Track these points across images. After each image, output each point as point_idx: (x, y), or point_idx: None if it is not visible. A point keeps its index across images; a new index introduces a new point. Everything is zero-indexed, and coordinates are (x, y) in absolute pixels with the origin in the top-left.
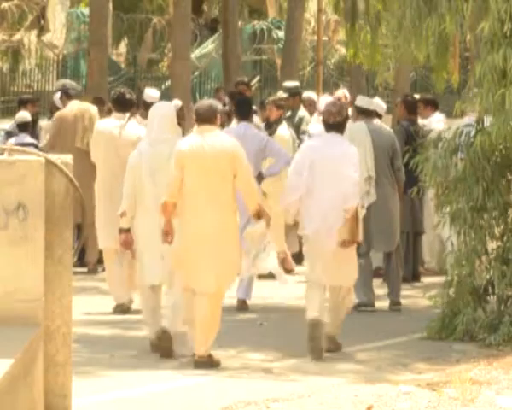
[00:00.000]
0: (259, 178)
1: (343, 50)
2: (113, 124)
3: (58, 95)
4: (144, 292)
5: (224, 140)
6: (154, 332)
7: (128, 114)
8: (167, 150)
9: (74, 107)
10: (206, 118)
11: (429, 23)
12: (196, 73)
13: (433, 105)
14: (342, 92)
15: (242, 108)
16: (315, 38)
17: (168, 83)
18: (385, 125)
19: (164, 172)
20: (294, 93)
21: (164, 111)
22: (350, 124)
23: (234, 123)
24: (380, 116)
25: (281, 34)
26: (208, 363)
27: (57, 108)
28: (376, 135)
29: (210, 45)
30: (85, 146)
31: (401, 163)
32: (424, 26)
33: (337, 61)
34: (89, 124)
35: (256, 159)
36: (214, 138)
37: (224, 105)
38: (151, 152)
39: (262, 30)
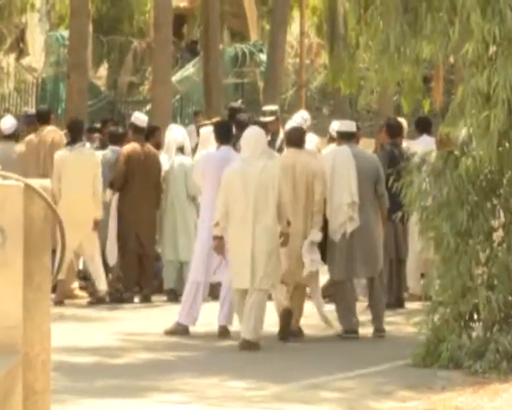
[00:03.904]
0: None
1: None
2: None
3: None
4: (235, 295)
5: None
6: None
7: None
8: (258, 168)
9: (42, 132)
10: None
11: (413, 46)
12: (177, 97)
13: (420, 127)
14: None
15: (222, 132)
16: (297, 60)
17: (149, 106)
18: (367, 150)
19: (253, 187)
20: (275, 116)
21: (257, 134)
22: (333, 148)
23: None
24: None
25: (263, 57)
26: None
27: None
28: (360, 160)
29: (191, 68)
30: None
31: (384, 189)
32: (408, 50)
33: (320, 84)
34: (49, 150)
35: None
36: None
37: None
38: (244, 170)
39: (244, 53)
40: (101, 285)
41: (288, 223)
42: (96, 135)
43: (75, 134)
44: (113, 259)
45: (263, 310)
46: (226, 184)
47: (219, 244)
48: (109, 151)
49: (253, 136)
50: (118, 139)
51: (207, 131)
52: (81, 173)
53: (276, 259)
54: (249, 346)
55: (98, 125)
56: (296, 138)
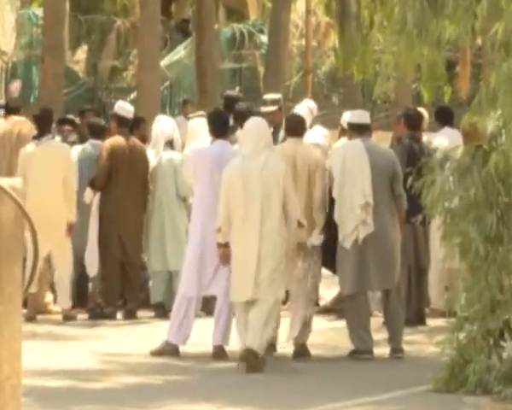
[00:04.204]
0: None
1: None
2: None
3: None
4: (236, 309)
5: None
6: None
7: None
8: (260, 164)
9: (9, 124)
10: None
11: (434, 26)
12: (166, 84)
13: (441, 118)
14: (306, 106)
15: (217, 124)
16: (303, 42)
17: (134, 95)
18: (382, 144)
19: (256, 185)
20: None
21: (260, 126)
22: (344, 142)
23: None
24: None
25: (264, 38)
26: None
27: None
28: (374, 155)
29: (182, 51)
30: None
31: (402, 188)
32: (428, 30)
33: (329, 69)
34: (16, 144)
35: None
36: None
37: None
38: (244, 167)
39: (242, 33)
40: (65, 303)
41: (300, 224)
42: (67, 127)
43: (43, 125)
44: (93, 269)
45: (273, 320)
46: (226, 185)
47: (224, 253)
48: (89, 145)
49: (254, 128)
50: (99, 132)
51: (196, 123)
52: (49, 170)
53: (284, 266)
54: (251, 358)
55: (70, 117)
56: (294, 126)
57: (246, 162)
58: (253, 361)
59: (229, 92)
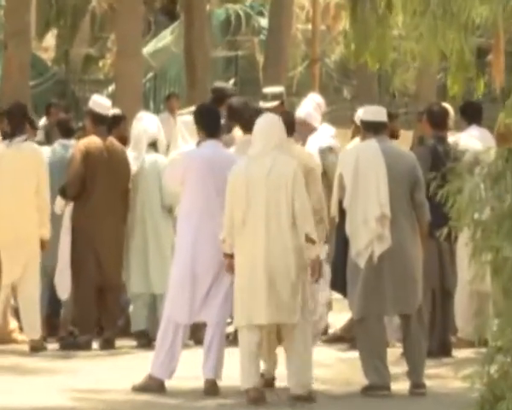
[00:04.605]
0: None
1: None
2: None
3: None
4: (244, 334)
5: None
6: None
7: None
8: (266, 167)
9: None
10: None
11: (462, 6)
12: (150, 75)
13: (467, 115)
14: (312, 101)
15: (208, 121)
16: (309, 27)
17: (112, 87)
18: (401, 145)
19: (260, 191)
20: (280, 101)
21: (271, 124)
22: (356, 143)
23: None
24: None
25: (263, 22)
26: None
27: None
28: (392, 158)
29: (168, 37)
30: None
31: (424, 197)
32: (455, 12)
33: (339, 57)
34: None
35: None
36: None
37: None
38: (249, 170)
39: (238, 16)
40: (33, 331)
41: (311, 240)
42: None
43: (15, 124)
44: (64, 291)
45: (309, 353)
46: (230, 190)
47: (230, 264)
48: (59, 146)
49: (265, 126)
50: (70, 130)
51: (188, 121)
52: (20, 177)
53: (302, 284)
54: (303, 401)
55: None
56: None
57: (251, 165)
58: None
59: (219, 84)
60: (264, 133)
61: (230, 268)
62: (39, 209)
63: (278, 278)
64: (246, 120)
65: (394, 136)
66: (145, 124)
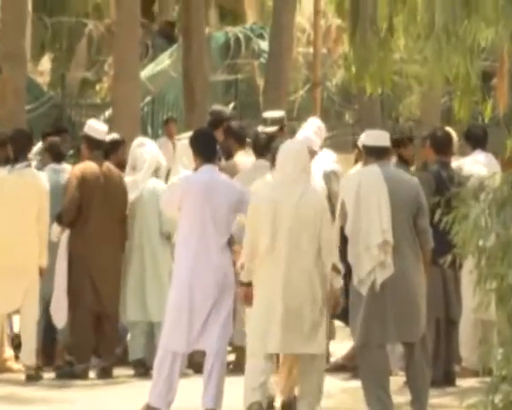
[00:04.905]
0: (231, 241)
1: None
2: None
3: None
4: (255, 363)
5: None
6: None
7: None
8: (296, 195)
9: None
10: None
11: (467, 30)
12: (148, 99)
13: (472, 140)
14: (313, 125)
15: (205, 146)
16: (310, 50)
17: (109, 112)
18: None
19: (288, 219)
20: (280, 126)
21: (298, 151)
22: (359, 169)
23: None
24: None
25: (264, 45)
26: None
27: None
28: (395, 184)
29: (166, 60)
30: None
31: (428, 224)
32: (459, 34)
33: (341, 81)
34: None
35: (227, 216)
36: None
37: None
38: (276, 197)
39: (238, 39)
40: (29, 359)
41: (337, 270)
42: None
43: (19, 150)
44: (60, 319)
45: (322, 384)
46: (252, 216)
47: (247, 293)
48: (50, 171)
49: (293, 152)
50: (60, 154)
51: (184, 145)
52: (22, 204)
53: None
54: None
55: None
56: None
57: (278, 191)
58: None
59: (216, 107)
60: (292, 158)
61: (248, 298)
62: (40, 238)
63: (301, 308)
64: (245, 140)
65: (410, 161)
66: (149, 149)
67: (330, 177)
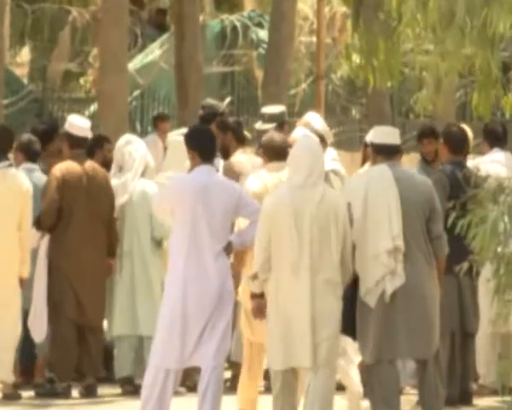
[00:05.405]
0: (228, 248)
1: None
2: None
3: None
4: (277, 381)
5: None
6: None
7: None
8: (316, 198)
9: None
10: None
11: (486, 18)
12: (136, 93)
13: (490, 138)
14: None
15: (203, 145)
16: (314, 39)
17: (94, 107)
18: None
19: (309, 224)
20: (280, 122)
21: (314, 150)
22: (367, 169)
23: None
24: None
25: (263, 34)
26: None
27: None
28: (406, 185)
29: (156, 51)
30: None
31: (442, 228)
32: (477, 24)
33: (347, 73)
34: None
35: (224, 220)
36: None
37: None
38: (296, 200)
39: (235, 28)
40: (6, 376)
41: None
42: None
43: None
44: (39, 333)
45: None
46: (268, 221)
47: (259, 305)
48: (23, 171)
49: (310, 152)
50: (34, 153)
51: (176, 142)
52: (4, 209)
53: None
54: None
55: None
56: (278, 148)
57: (297, 195)
58: None
59: (209, 101)
60: (310, 159)
61: (260, 311)
62: (21, 246)
63: (323, 320)
64: (243, 137)
65: (435, 158)
66: (138, 148)
67: (329, 176)
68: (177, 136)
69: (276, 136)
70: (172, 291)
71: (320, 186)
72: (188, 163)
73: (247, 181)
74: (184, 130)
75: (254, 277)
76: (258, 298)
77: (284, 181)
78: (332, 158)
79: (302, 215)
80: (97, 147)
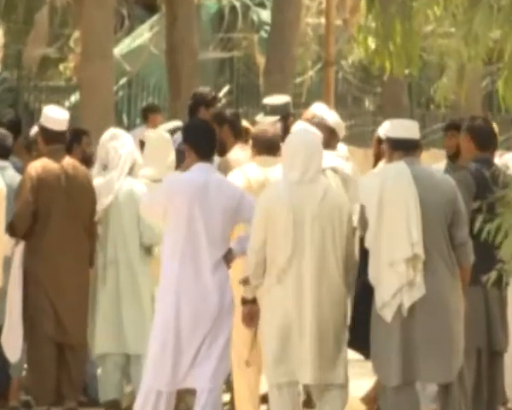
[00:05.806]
0: (228, 257)
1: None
2: None
3: None
4: (282, 393)
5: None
6: None
7: None
8: (317, 196)
9: None
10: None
11: None
12: (123, 81)
13: None
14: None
15: (203, 140)
16: (322, 21)
17: (75, 96)
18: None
19: (310, 224)
20: (284, 115)
21: (312, 142)
22: (382, 167)
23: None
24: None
25: (265, 15)
26: None
27: None
28: (426, 185)
29: (146, 34)
30: None
31: (467, 234)
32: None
33: (359, 59)
34: None
35: (224, 224)
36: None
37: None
38: (294, 198)
39: (233, 8)
40: None
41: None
42: None
43: None
44: (14, 352)
45: None
46: (262, 223)
47: (251, 311)
48: None
49: (302, 145)
50: (5, 149)
51: (155, 136)
52: None
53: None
54: None
55: None
56: (269, 141)
57: (295, 191)
58: None
59: (201, 90)
60: (305, 155)
61: (251, 318)
62: None
63: (326, 331)
64: (241, 131)
65: (457, 153)
66: (125, 143)
67: (326, 174)
68: (161, 130)
69: (269, 127)
70: (164, 305)
71: (321, 181)
72: (170, 160)
73: (229, 175)
74: (175, 123)
75: (245, 281)
76: (251, 304)
77: (271, 179)
78: (338, 155)
79: (302, 213)
80: (75, 141)
